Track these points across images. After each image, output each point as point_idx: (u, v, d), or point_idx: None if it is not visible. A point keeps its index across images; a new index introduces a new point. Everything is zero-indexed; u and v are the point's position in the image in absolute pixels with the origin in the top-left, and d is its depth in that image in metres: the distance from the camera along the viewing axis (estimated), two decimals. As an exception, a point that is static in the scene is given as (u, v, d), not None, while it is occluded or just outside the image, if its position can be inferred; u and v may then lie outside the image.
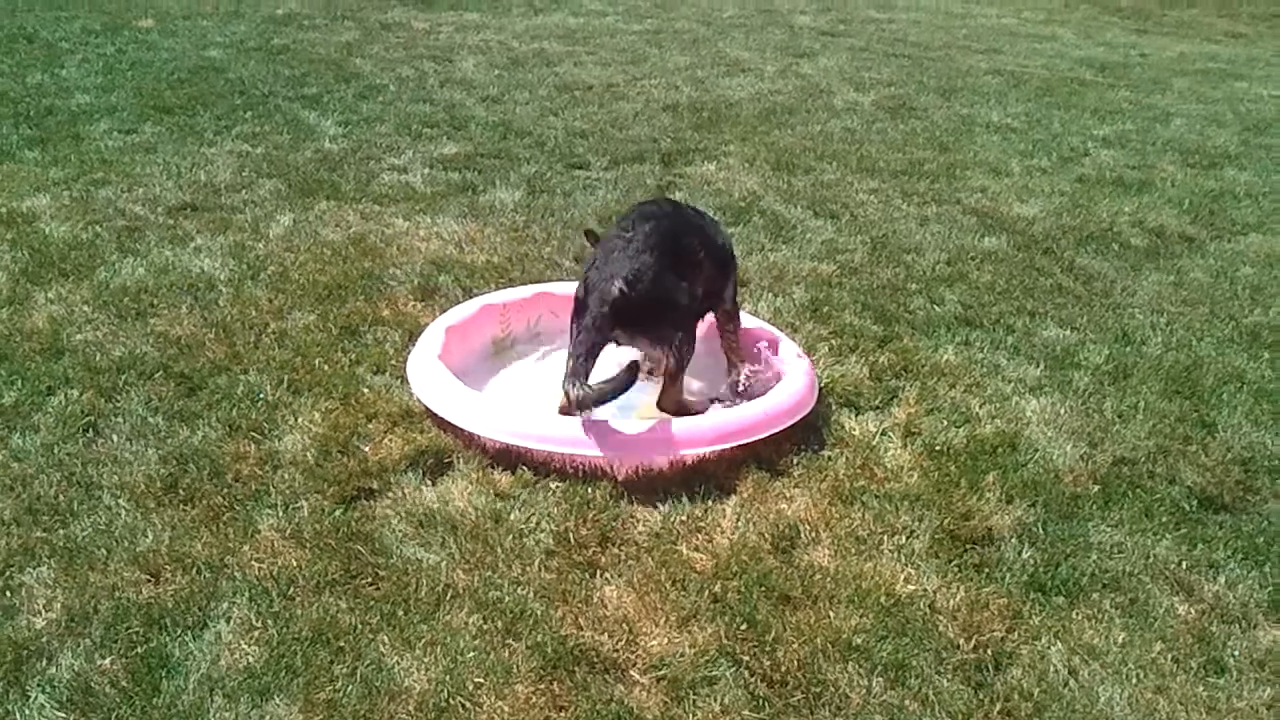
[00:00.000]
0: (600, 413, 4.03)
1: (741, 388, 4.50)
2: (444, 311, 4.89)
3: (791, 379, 4.31)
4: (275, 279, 5.40)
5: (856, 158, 8.01)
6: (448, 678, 3.03)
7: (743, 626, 3.27)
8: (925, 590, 3.48)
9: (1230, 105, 10.43)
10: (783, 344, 4.63)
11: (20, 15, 10.97)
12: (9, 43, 9.89)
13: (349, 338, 4.86)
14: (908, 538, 3.73)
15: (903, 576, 3.53)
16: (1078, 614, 3.44)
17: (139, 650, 3.08)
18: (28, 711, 2.87)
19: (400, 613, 3.26)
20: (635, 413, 4.35)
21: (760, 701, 3.03)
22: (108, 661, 3.04)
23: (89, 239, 5.76)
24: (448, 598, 3.33)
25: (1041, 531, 3.82)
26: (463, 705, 2.95)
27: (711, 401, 4.49)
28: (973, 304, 5.60)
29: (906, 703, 3.06)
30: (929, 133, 8.89)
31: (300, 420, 4.19)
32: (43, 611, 3.21)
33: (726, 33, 12.54)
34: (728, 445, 4.02)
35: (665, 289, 4.07)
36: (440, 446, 4.04)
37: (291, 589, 3.34)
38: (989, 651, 3.25)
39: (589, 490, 3.81)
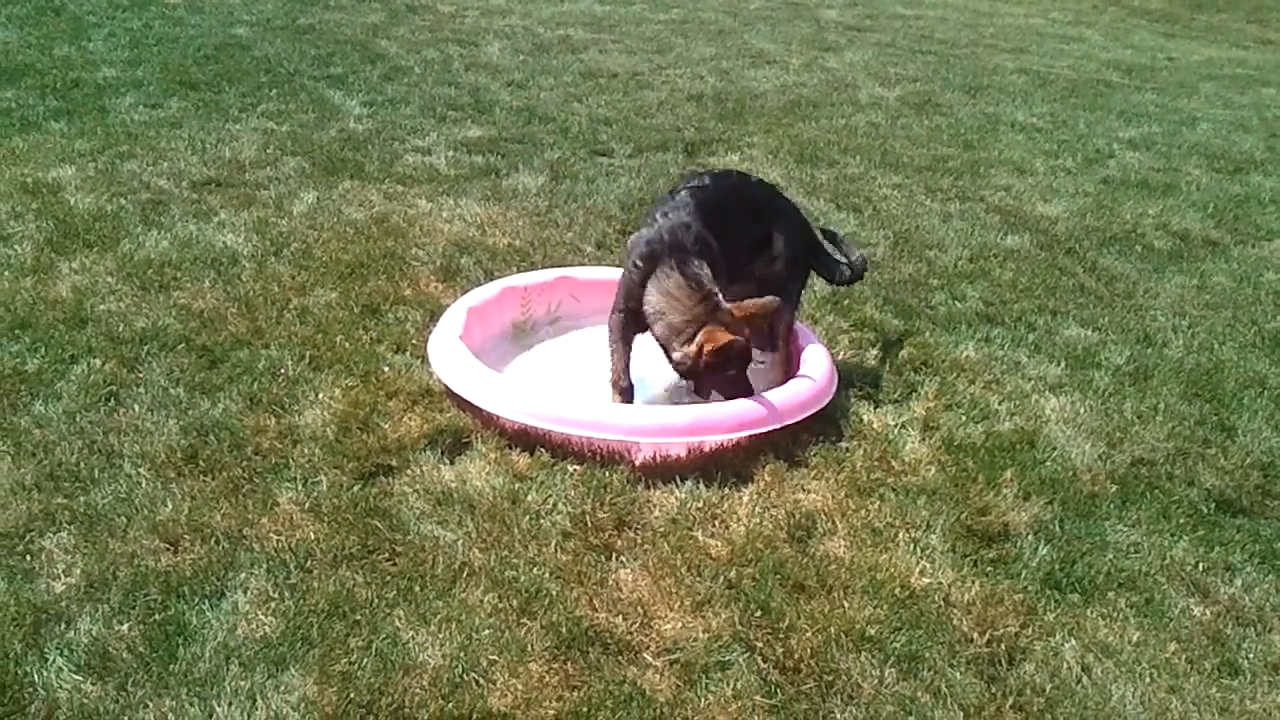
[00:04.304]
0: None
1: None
2: (465, 293, 4.89)
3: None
4: (298, 256, 5.42)
5: (880, 152, 7.98)
6: (462, 654, 3.05)
7: (757, 613, 3.28)
8: (940, 583, 3.49)
9: (1257, 111, 10.37)
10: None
11: (49, -12, 11.00)
12: (37, 15, 9.91)
13: (370, 316, 4.87)
14: (924, 531, 3.73)
15: (918, 569, 3.54)
16: (1092, 612, 3.44)
17: (157, 617, 3.11)
18: (46, 674, 2.89)
19: (416, 588, 3.28)
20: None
21: (772, 688, 3.04)
22: (125, 627, 3.07)
23: (113, 211, 5.78)
24: (464, 575, 3.35)
25: (1058, 529, 3.82)
26: (476, 681, 2.97)
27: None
28: (994, 301, 5.59)
29: (918, 694, 3.07)
30: (954, 130, 8.86)
31: (320, 396, 4.20)
32: (62, 576, 3.24)
33: (752, 24, 12.51)
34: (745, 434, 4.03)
35: None
36: (459, 426, 4.05)
37: (309, 562, 3.36)
38: (1002, 646, 3.26)
39: (606, 474, 3.82)
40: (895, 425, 4.36)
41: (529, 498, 3.71)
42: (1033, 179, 7.71)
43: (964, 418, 4.44)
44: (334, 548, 3.42)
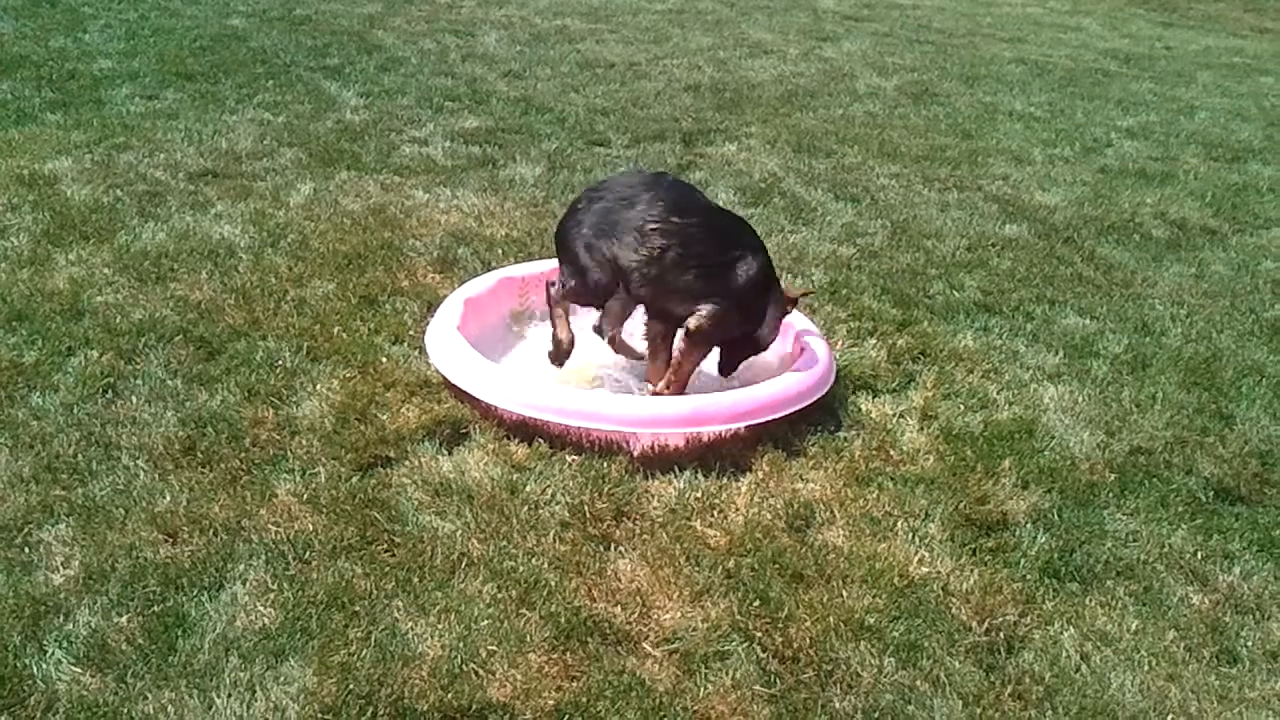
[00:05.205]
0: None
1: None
2: (463, 283, 4.88)
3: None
4: (295, 247, 5.41)
5: (878, 142, 7.97)
6: (461, 645, 3.05)
7: (755, 603, 3.28)
8: (939, 573, 3.49)
9: (1255, 100, 10.36)
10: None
11: (44, -21, 10.96)
12: (32, 6, 9.88)
13: (368, 307, 4.87)
14: (922, 520, 3.73)
15: (917, 558, 3.54)
16: (1091, 600, 3.45)
17: (156, 609, 3.10)
18: (45, 666, 2.89)
19: (415, 579, 3.28)
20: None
21: (771, 677, 3.04)
22: (124, 619, 3.06)
23: (110, 203, 5.77)
24: (462, 566, 3.35)
25: (1057, 518, 3.82)
26: (475, 672, 2.97)
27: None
28: (992, 290, 5.59)
29: (917, 683, 3.07)
30: (951, 119, 8.85)
31: (318, 387, 4.20)
32: (61, 568, 3.24)
33: (749, 14, 12.48)
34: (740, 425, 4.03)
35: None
36: (457, 417, 4.05)
37: (307, 553, 3.36)
38: (1001, 635, 3.26)
39: (605, 464, 3.82)
40: (893, 415, 4.36)
41: (527, 488, 3.71)
42: (1030, 168, 7.70)
43: (962, 407, 4.45)
44: (332, 539, 3.42)
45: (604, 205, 4.15)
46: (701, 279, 4.14)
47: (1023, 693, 3.07)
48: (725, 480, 3.85)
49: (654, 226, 4.07)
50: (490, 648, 3.05)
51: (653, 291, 4.17)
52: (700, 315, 4.14)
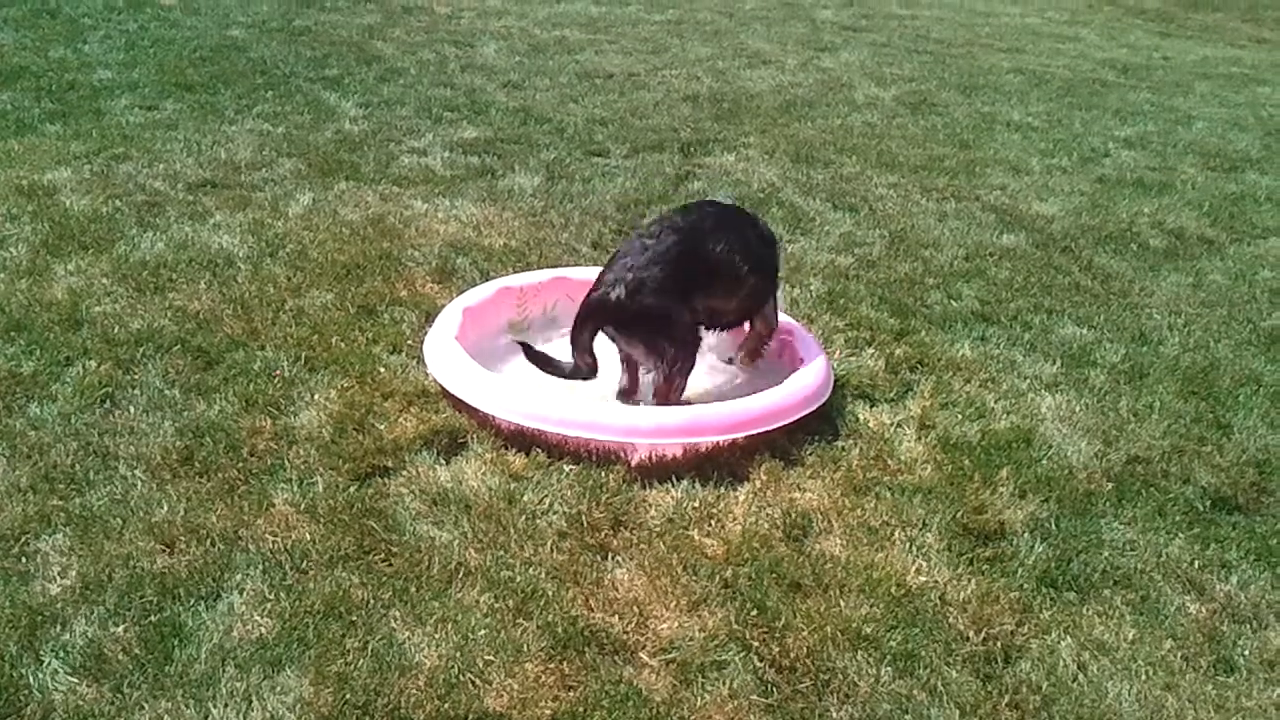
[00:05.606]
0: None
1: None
2: (461, 293, 4.89)
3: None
4: (294, 257, 5.42)
5: (876, 152, 7.99)
6: (458, 654, 3.05)
7: (753, 612, 3.28)
8: (936, 582, 3.49)
9: (1252, 110, 10.37)
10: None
11: (44, -10, 10.99)
12: (32, 17, 9.91)
13: (366, 317, 4.87)
14: (920, 529, 3.73)
15: (914, 568, 3.54)
16: (1088, 610, 3.45)
17: (152, 619, 3.10)
18: (41, 676, 2.89)
19: (412, 589, 3.28)
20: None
21: (769, 687, 3.04)
22: (121, 629, 3.06)
23: (109, 213, 5.78)
24: (459, 576, 3.35)
25: (1054, 527, 3.82)
26: (472, 682, 2.97)
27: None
28: (990, 300, 5.59)
29: (915, 692, 3.07)
30: (949, 129, 8.86)
31: (316, 397, 4.20)
32: (58, 578, 3.24)
33: (748, 25, 12.51)
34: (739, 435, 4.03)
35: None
36: (455, 426, 4.05)
37: (304, 563, 3.36)
38: (999, 644, 3.26)
39: (602, 474, 3.82)
40: (891, 424, 4.36)
41: (525, 498, 3.71)
42: (1028, 178, 7.71)
43: (960, 416, 4.45)
44: (330, 549, 3.42)
45: (661, 273, 4.08)
46: (768, 282, 4.50)
47: (1020, 702, 3.07)
48: (723, 490, 3.85)
49: (747, 268, 4.30)
50: (487, 657, 3.05)
51: (740, 315, 4.52)
52: (767, 316, 4.56)
